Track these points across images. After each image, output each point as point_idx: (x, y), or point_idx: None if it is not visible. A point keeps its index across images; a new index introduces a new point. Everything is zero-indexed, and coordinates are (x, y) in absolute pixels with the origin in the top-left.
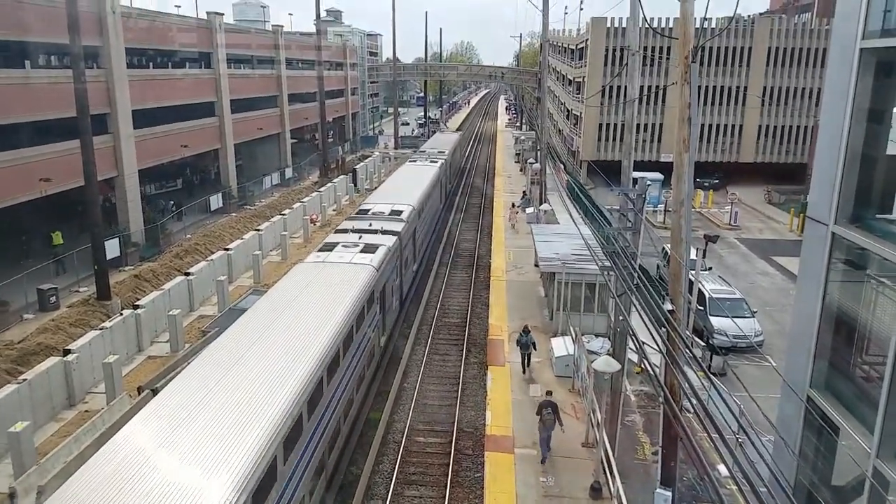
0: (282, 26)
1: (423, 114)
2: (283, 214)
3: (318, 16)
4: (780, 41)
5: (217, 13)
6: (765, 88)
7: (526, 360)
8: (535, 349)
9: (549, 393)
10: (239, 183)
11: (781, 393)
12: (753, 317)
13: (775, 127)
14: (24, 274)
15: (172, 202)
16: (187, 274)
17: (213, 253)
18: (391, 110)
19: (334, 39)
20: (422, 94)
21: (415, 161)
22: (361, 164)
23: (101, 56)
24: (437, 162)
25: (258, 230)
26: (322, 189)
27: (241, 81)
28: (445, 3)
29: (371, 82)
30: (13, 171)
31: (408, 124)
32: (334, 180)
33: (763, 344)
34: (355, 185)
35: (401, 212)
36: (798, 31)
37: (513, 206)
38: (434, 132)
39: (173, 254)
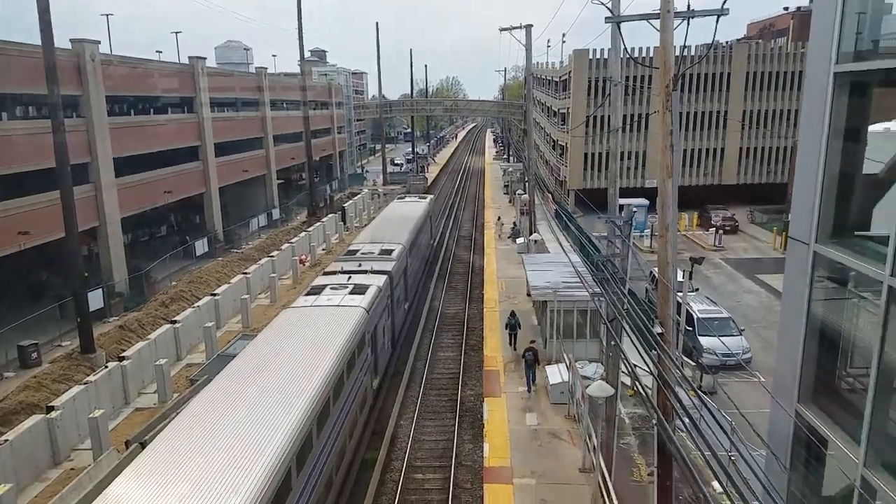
0: (265, 68)
1: (410, 149)
2: (272, 256)
3: (302, 56)
4: (757, 66)
5: (199, 57)
6: (745, 112)
7: (513, 340)
8: (520, 328)
9: (532, 342)
10: (225, 226)
11: (770, 408)
12: (741, 335)
13: (756, 149)
14: (6, 328)
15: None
16: (173, 322)
17: (199, 299)
18: (379, 147)
19: (319, 79)
20: (409, 130)
21: (403, 198)
22: (350, 201)
23: (80, 105)
24: (425, 198)
25: (246, 273)
26: (310, 229)
27: (224, 124)
28: (429, 40)
29: (357, 120)
30: None
31: (399, 165)
32: (323, 219)
33: (751, 361)
34: (344, 224)
35: (391, 251)
36: (774, 55)
37: (499, 219)
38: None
39: (159, 302)
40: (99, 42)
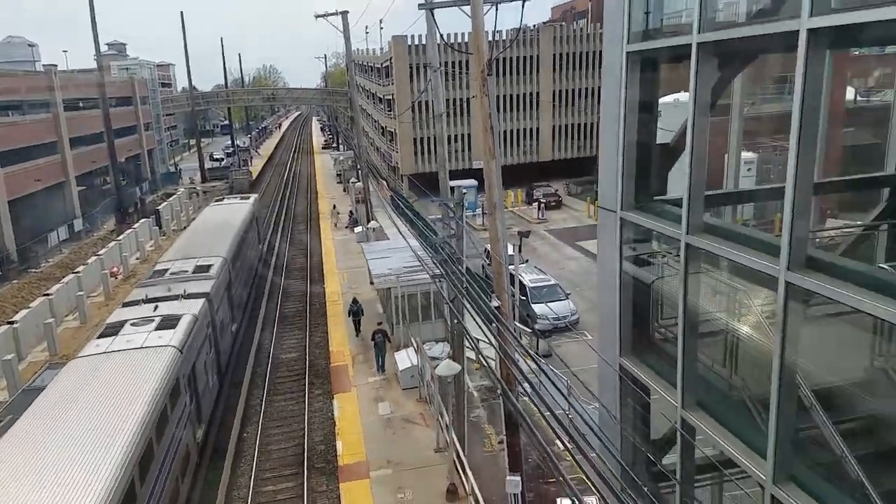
0: (55, 65)
1: (230, 142)
2: (77, 272)
3: (97, 50)
4: (562, 47)
5: None
6: (554, 92)
7: (357, 327)
8: (363, 314)
9: (379, 324)
10: (18, 244)
11: (598, 364)
12: (567, 299)
13: (567, 126)
14: None
15: None
16: None
17: None
18: (193, 142)
19: (120, 73)
20: (226, 122)
21: (221, 201)
22: (165, 203)
23: None
24: (248, 199)
25: (48, 295)
26: (121, 237)
27: (8, 130)
28: (240, 29)
29: (167, 114)
30: None
31: (219, 160)
32: (134, 226)
33: (578, 321)
34: (160, 228)
35: (208, 267)
36: (576, 36)
37: (334, 207)
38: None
39: None
40: None
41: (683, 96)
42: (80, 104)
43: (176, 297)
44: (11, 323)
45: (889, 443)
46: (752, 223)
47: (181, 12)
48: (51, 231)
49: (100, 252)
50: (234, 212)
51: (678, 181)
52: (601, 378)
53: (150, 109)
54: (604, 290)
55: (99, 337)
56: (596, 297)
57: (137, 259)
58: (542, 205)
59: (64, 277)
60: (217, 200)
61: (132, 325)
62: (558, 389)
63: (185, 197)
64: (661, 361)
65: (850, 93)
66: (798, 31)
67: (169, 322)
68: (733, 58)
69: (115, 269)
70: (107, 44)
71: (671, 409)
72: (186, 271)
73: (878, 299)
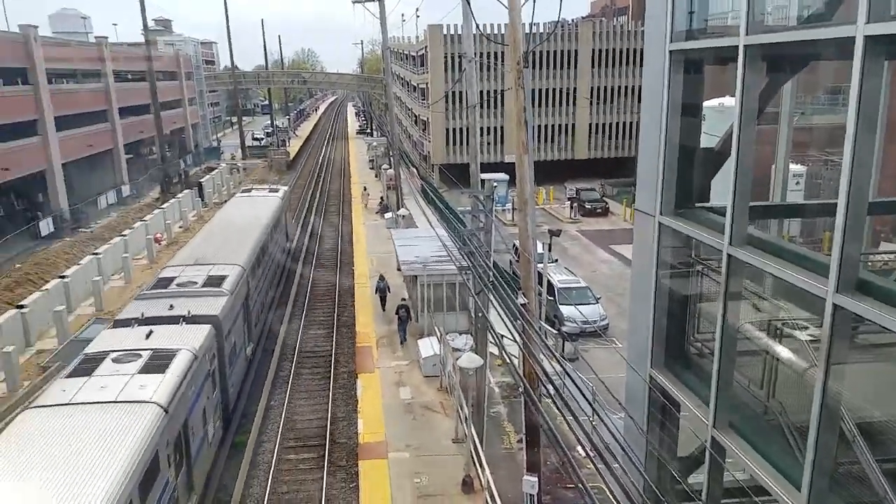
0: (106, 37)
1: (269, 122)
2: (124, 235)
3: (145, 25)
4: (602, 43)
5: (31, 25)
6: (592, 88)
7: (383, 304)
8: (389, 291)
9: (403, 300)
10: (71, 205)
11: (626, 374)
12: (598, 303)
13: (604, 124)
14: None
15: None
16: (20, 307)
17: (47, 282)
18: (234, 119)
19: (165, 49)
20: (266, 102)
21: (248, 192)
22: (207, 176)
23: None
24: (277, 191)
25: (97, 254)
26: (165, 206)
27: (65, 97)
28: (280, 12)
29: (210, 91)
30: None
31: (259, 139)
32: (178, 195)
33: (608, 327)
34: (202, 199)
35: (222, 278)
36: (617, 32)
37: (364, 188)
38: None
39: (2, 286)
40: None
41: (729, 101)
42: (129, 76)
43: (177, 320)
44: (63, 277)
45: None
46: (798, 240)
47: None
48: (100, 195)
49: (145, 218)
50: (260, 206)
51: (722, 189)
52: (629, 388)
53: (194, 85)
54: (637, 297)
55: (70, 375)
56: (628, 303)
57: (180, 227)
58: (582, 207)
59: (111, 239)
60: (244, 191)
61: (113, 360)
62: (583, 394)
63: (226, 172)
64: (693, 377)
65: None
66: (854, 37)
67: (159, 361)
68: (782, 63)
69: (158, 236)
70: (153, 19)
71: (701, 428)
72: (195, 283)
73: None
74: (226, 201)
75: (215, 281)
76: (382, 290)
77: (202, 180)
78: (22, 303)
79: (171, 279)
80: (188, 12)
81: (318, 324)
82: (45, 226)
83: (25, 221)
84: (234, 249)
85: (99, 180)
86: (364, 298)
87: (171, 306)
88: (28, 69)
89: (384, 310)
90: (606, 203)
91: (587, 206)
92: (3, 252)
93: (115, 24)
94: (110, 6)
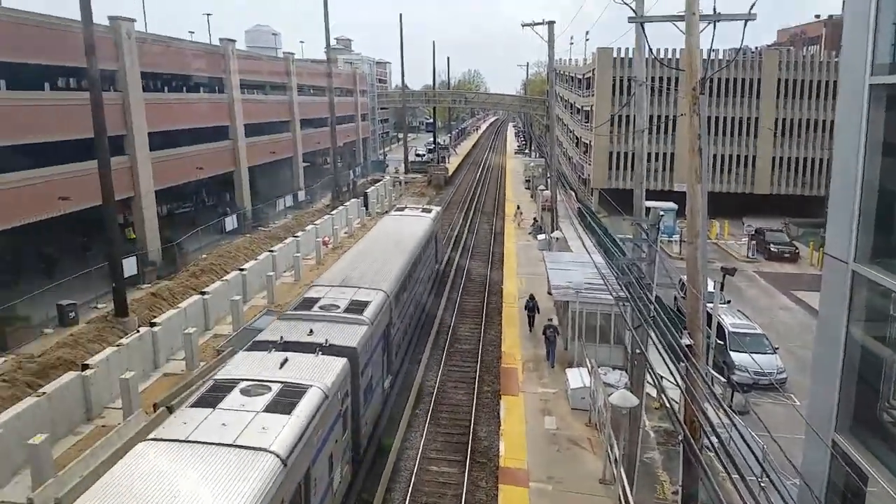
0: (293, 53)
1: (432, 139)
2: (297, 236)
3: (328, 44)
4: (789, 73)
5: (229, 39)
6: (776, 120)
7: (531, 322)
8: (538, 312)
9: (550, 320)
10: (253, 205)
11: (805, 436)
12: (775, 353)
13: (790, 158)
14: (47, 288)
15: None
16: (203, 293)
17: (227, 273)
18: (400, 135)
19: (344, 67)
20: (430, 120)
21: (401, 211)
22: (372, 187)
23: (117, 79)
24: (429, 212)
25: (272, 251)
26: (334, 212)
27: (254, 106)
28: (452, 33)
29: (380, 108)
30: (34, 190)
31: (421, 155)
32: (346, 203)
33: (786, 382)
34: (367, 209)
35: (364, 304)
36: (807, 63)
37: (518, 207)
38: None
39: (189, 273)
40: (135, 20)
41: None
42: (310, 90)
43: (313, 348)
44: (241, 270)
45: None
46: None
47: (400, 14)
48: (278, 198)
49: (316, 222)
50: (410, 228)
51: None
52: (807, 452)
53: (368, 102)
54: (823, 351)
55: (195, 404)
56: (811, 358)
57: (345, 233)
58: (766, 250)
59: (285, 239)
60: (397, 210)
61: (242, 391)
62: (752, 452)
63: (389, 184)
64: (887, 447)
65: None
66: None
67: (288, 399)
68: None
69: (326, 239)
70: (335, 38)
71: None
72: (338, 307)
73: None
74: (386, 212)
75: (358, 307)
76: (531, 309)
77: (367, 191)
78: (205, 290)
79: (315, 301)
80: (368, 31)
81: (461, 354)
82: (230, 222)
83: (216, 217)
84: (380, 273)
85: (278, 184)
86: (511, 318)
87: (311, 331)
88: (224, 79)
89: (531, 329)
90: (796, 248)
91: (772, 248)
92: (195, 242)
93: (301, 42)
94: (300, 25)
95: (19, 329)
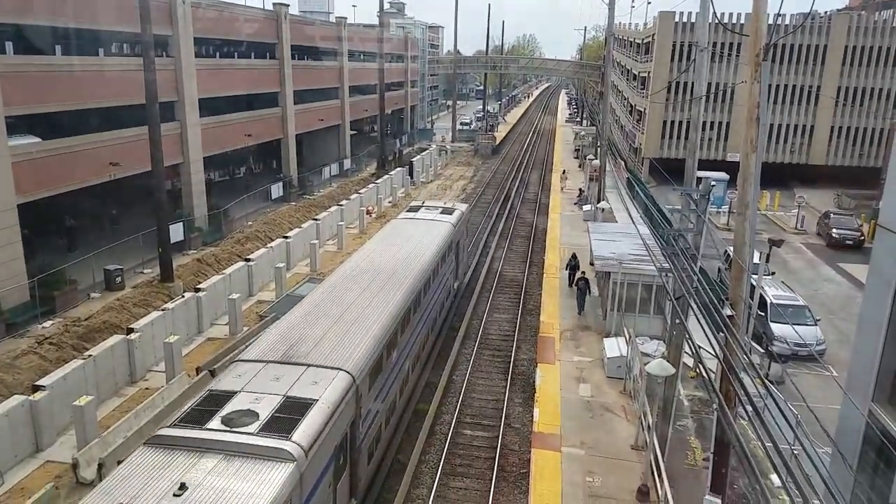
0: (345, 18)
1: (481, 107)
2: (341, 205)
3: (381, 7)
4: (858, 39)
5: (283, 4)
6: (839, 88)
7: (571, 280)
8: (579, 270)
9: (583, 272)
10: (299, 173)
11: (841, 405)
12: (816, 325)
13: (848, 128)
14: (94, 252)
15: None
16: (247, 260)
17: (272, 240)
18: (449, 103)
19: (396, 31)
20: (481, 87)
21: (415, 211)
22: (418, 157)
23: (170, 45)
24: (450, 213)
25: (316, 219)
26: (379, 181)
27: (304, 72)
28: None
29: (431, 74)
30: (85, 156)
31: (468, 123)
32: (391, 172)
33: (825, 353)
34: (411, 178)
35: (304, 407)
36: (879, 29)
37: (563, 171)
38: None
39: (235, 240)
40: None
41: None
42: (361, 56)
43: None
44: (286, 237)
45: None
46: None
47: None
48: (324, 166)
49: (361, 191)
50: (420, 241)
51: None
52: (842, 420)
53: (418, 68)
54: (866, 323)
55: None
56: (855, 330)
57: (389, 202)
58: (829, 236)
59: (330, 207)
60: (411, 209)
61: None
62: (787, 420)
63: (435, 153)
64: None
65: None
66: None
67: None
68: None
69: (370, 208)
70: (389, 2)
71: None
72: (255, 418)
73: None
74: (431, 180)
75: (288, 418)
76: (573, 268)
77: (413, 160)
78: (249, 256)
79: (225, 397)
80: None
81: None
82: (276, 189)
83: (262, 184)
84: (350, 332)
85: (325, 152)
86: (552, 289)
87: (183, 486)
88: (276, 45)
89: (571, 285)
90: (862, 234)
91: (834, 234)
92: (241, 209)
93: (354, 6)
94: None
95: (67, 293)
